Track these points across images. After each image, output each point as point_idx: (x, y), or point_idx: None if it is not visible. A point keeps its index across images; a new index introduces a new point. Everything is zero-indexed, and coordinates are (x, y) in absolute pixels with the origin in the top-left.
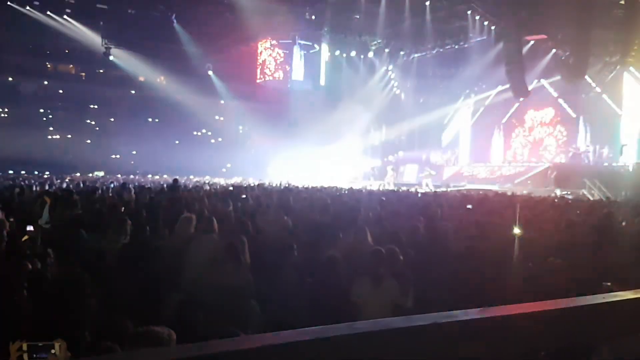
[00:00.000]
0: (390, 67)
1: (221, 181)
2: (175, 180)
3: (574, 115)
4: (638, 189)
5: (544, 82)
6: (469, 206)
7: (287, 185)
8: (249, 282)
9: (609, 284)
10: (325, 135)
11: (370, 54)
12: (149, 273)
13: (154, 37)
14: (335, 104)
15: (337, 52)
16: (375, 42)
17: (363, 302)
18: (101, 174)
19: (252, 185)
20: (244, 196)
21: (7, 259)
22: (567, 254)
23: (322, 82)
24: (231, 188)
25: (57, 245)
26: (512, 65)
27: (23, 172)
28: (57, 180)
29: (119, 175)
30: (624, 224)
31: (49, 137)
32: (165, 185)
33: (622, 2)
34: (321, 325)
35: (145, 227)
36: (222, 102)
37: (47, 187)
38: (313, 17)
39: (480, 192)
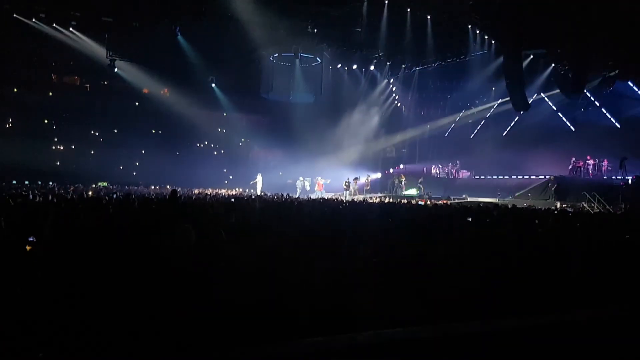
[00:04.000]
0: (392, 79)
1: (223, 192)
2: (174, 192)
3: (573, 129)
4: (637, 202)
5: (543, 95)
6: (469, 219)
7: (287, 197)
8: None
9: None
10: (326, 147)
11: (372, 67)
12: (153, 283)
13: (158, 49)
14: (336, 117)
15: (339, 65)
16: (376, 55)
17: (362, 314)
18: (105, 184)
19: (252, 196)
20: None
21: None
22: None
23: (324, 94)
24: (232, 200)
25: (60, 256)
26: (512, 79)
27: (27, 182)
28: (60, 190)
29: (118, 186)
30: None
31: (53, 147)
32: (167, 196)
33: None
34: (323, 336)
35: (149, 237)
36: (225, 114)
37: (50, 197)
38: (315, 30)
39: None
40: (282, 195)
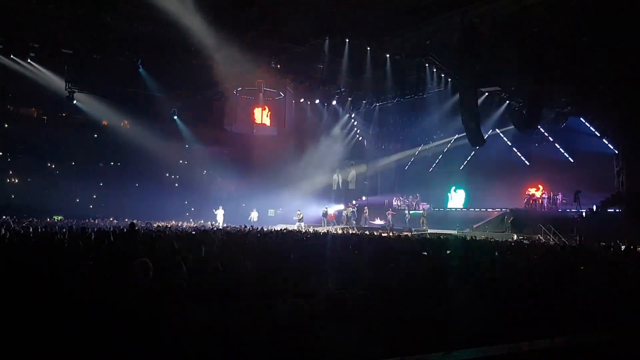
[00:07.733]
0: (353, 114)
1: (184, 224)
2: (133, 225)
3: (528, 163)
4: (592, 234)
5: (498, 131)
6: (425, 253)
7: (250, 229)
8: None
9: None
10: (289, 180)
11: (334, 102)
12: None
13: (119, 81)
14: (299, 150)
15: (302, 100)
16: (338, 91)
17: (328, 349)
18: (60, 217)
19: (214, 228)
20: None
21: None
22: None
23: (287, 128)
24: (194, 232)
25: (11, 295)
26: (468, 115)
27: None
28: (14, 224)
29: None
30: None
31: (8, 180)
32: (125, 230)
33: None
34: None
35: (105, 273)
36: (187, 146)
37: (2, 232)
38: (278, 66)
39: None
40: (245, 227)
